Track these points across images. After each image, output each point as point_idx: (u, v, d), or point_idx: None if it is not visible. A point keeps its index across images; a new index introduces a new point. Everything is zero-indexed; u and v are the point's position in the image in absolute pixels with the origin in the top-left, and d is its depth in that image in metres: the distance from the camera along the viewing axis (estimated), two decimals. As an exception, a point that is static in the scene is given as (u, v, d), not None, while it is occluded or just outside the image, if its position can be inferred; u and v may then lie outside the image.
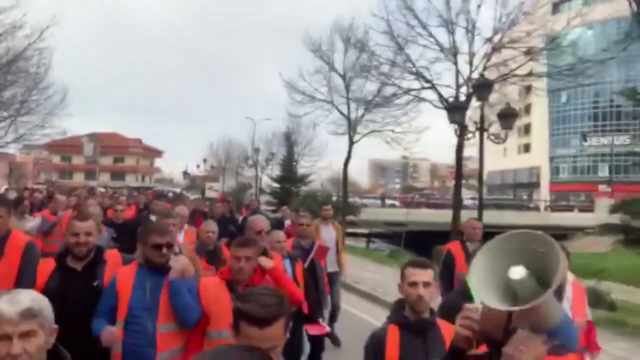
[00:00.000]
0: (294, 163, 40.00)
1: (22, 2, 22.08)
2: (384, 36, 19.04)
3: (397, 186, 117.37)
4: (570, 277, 4.04)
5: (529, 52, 17.63)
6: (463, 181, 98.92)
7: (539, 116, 67.50)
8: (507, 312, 1.71)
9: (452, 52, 17.58)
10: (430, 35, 17.86)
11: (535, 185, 68.92)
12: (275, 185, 40.93)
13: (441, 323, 3.05)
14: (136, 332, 3.44)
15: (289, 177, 39.04)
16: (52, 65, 29.08)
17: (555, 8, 40.72)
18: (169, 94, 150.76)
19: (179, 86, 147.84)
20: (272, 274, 3.93)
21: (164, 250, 3.57)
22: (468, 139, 13.26)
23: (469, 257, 5.94)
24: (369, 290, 11.72)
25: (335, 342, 7.54)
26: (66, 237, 3.77)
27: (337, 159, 25.60)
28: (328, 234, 7.75)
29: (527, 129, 72.03)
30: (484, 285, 1.74)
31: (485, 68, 16.88)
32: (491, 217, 30.42)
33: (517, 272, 1.68)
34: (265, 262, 3.92)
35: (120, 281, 3.56)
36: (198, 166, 57.25)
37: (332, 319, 7.37)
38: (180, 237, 6.11)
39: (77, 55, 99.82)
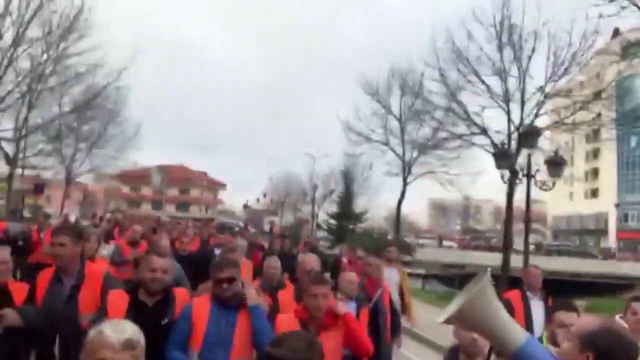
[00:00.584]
0: (351, 200, 40.46)
1: (103, 43, 23.95)
2: (437, 83, 19.51)
3: (458, 227, 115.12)
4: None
5: (598, 96, 17.43)
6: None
7: (607, 160, 65.12)
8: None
9: (505, 100, 17.77)
10: (483, 82, 18.16)
11: (603, 232, 66.04)
12: (332, 221, 41.43)
13: None
14: None
15: (346, 214, 39.44)
16: (127, 101, 31.26)
17: (625, 52, 39.30)
18: (232, 128, 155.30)
19: (242, 119, 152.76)
20: (346, 318, 3.79)
21: (225, 285, 3.58)
22: (516, 184, 13.35)
23: (528, 312, 5.75)
24: (425, 335, 10.98)
25: None
26: (142, 272, 3.71)
27: (392, 198, 25.97)
28: (391, 277, 7.20)
29: (595, 173, 69.65)
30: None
31: (537, 116, 16.91)
32: (552, 263, 29.74)
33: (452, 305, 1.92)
34: (340, 307, 3.81)
35: (196, 312, 3.57)
36: (258, 200, 58.72)
37: None
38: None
39: (150, 92, 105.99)
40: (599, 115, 19.19)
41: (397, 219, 25.81)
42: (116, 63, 25.09)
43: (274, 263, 5.43)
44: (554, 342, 3.40)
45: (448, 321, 2.00)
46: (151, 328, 3.49)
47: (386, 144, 25.68)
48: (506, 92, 17.80)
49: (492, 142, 17.61)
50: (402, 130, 24.87)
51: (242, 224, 43.78)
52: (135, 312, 3.48)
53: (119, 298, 3.62)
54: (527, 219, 13.07)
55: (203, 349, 3.46)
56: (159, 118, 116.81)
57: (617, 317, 4.02)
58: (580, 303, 13.99)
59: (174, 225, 15.84)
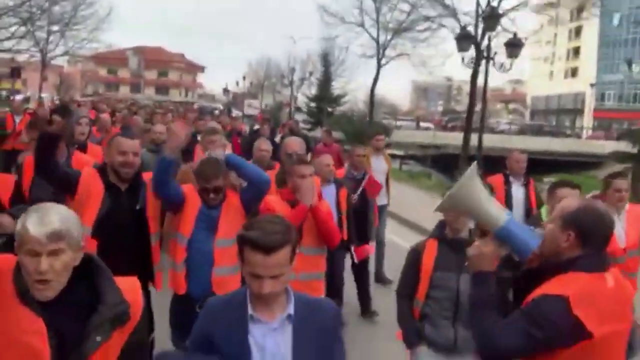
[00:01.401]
0: (329, 83, 40.70)
1: None
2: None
3: (440, 109, 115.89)
4: (627, 204, 4.33)
5: None
6: (504, 104, 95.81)
7: (590, 39, 64.40)
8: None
9: None
10: None
11: (580, 112, 67.07)
12: (312, 104, 41.91)
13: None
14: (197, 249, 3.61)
15: (325, 97, 39.86)
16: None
17: None
18: (209, 11, 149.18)
19: (218, 3, 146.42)
20: (313, 212, 3.89)
21: (212, 195, 3.59)
22: (479, 65, 13.79)
23: (509, 196, 5.84)
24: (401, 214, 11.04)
25: (384, 281, 7.01)
26: (111, 155, 3.52)
27: (370, 81, 26.25)
28: (379, 165, 7.26)
29: (576, 51, 69.30)
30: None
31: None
32: (528, 143, 30.90)
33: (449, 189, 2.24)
34: (306, 198, 3.86)
35: (187, 201, 3.64)
36: (238, 83, 58.36)
37: (380, 259, 7.13)
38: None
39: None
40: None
41: (370, 101, 26.40)
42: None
43: (265, 146, 5.37)
44: None
45: (441, 209, 2.32)
46: (128, 215, 3.52)
47: (361, 25, 25.65)
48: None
49: (460, 25, 17.83)
50: (377, 11, 24.79)
51: (222, 107, 44.07)
52: (113, 199, 3.49)
53: (94, 179, 3.54)
54: (484, 99, 13.76)
55: (193, 234, 3.60)
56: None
57: (591, 195, 4.19)
58: (548, 180, 14.85)
59: (153, 110, 16.02)
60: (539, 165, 21.95)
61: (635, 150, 16.99)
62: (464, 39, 13.08)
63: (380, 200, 7.05)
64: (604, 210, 2.21)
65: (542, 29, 31.79)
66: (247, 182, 3.78)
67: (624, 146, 18.99)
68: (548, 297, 2.03)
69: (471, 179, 2.15)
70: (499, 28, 13.46)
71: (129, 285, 1.87)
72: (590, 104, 65.21)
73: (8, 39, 27.36)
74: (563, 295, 2.00)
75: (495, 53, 12.72)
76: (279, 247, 1.83)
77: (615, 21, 60.46)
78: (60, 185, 3.60)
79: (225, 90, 56.27)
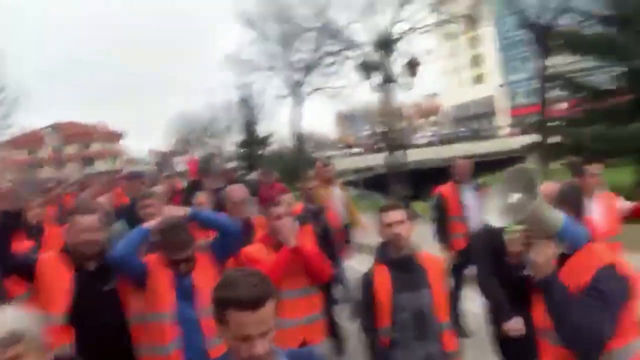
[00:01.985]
0: (254, 126, 41.19)
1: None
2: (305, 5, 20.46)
3: (368, 132, 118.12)
4: (599, 192, 4.42)
5: None
6: (424, 119, 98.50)
7: (489, 45, 68.71)
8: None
9: (369, 11, 18.70)
10: None
11: (493, 114, 70.76)
12: (241, 150, 42.16)
13: (426, 257, 3.29)
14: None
15: (253, 140, 40.30)
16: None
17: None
18: (119, 72, 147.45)
19: (128, 64, 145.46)
20: (297, 251, 3.70)
21: (181, 265, 3.32)
22: (380, 91, 14.75)
23: (462, 203, 5.90)
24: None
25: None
26: (72, 237, 3.32)
27: (292, 119, 27.11)
28: (335, 196, 7.02)
29: (478, 59, 73.50)
30: (497, 213, 2.21)
31: (395, 24, 18.13)
32: (452, 151, 32.30)
33: (514, 197, 2.18)
34: (290, 240, 3.70)
35: (153, 276, 3.34)
36: (162, 143, 58.02)
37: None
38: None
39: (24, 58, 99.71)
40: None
41: (297, 138, 27.32)
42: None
43: (200, 198, 5.29)
44: None
45: (520, 222, 2.22)
46: (99, 295, 3.26)
47: (272, 69, 26.72)
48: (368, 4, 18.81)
49: (363, 54, 18.89)
50: (284, 55, 25.94)
51: (151, 169, 43.51)
52: (81, 281, 3.24)
53: (57, 263, 3.28)
54: (392, 121, 14.64)
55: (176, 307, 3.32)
56: (44, 77, 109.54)
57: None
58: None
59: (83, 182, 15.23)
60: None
61: (539, 139, 18.32)
62: (365, 68, 13.97)
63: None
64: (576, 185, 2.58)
65: (440, 45, 33.98)
66: (218, 232, 3.60)
67: (535, 138, 20.42)
68: (599, 270, 2.18)
69: (538, 191, 2.14)
70: (397, 53, 14.55)
71: None
72: (504, 104, 68.92)
73: None
74: (607, 263, 2.19)
75: (398, 75, 13.63)
76: (266, 300, 1.68)
77: (509, 24, 64.55)
78: (19, 275, 3.31)
79: (151, 151, 55.70)
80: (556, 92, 18.13)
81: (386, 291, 3.11)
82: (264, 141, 41.42)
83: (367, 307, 3.19)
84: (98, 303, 3.25)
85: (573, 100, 16.56)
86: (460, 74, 77.61)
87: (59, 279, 3.21)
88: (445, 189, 6.15)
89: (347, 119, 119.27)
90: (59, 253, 3.36)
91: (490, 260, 3.43)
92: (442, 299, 3.22)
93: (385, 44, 13.16)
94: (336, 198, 6.96)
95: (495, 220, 2.17)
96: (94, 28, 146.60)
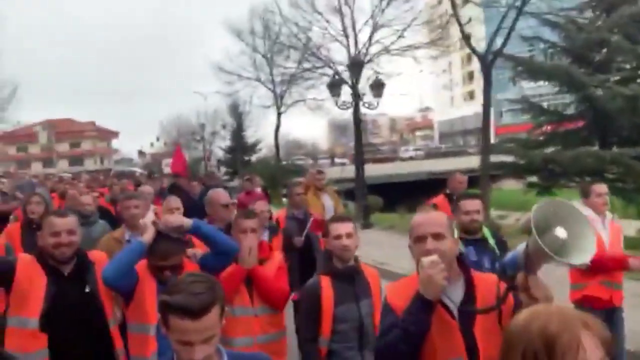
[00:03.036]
0: (242, 133, 42.08)
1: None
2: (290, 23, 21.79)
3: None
4: (609, 216, 4.39)
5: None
6: (418, 133, 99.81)
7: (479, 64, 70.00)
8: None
9: (344, 35, 20.37)
10: (326, 20, 20.95)
11: (479, 131, 71.96)
12: (228, 155, 42.98)
13: (364, 268, 3.32)
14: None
15: (240, 147, 41.16)
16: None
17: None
18: (115, 74, 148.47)
19: (123, 65, 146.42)
20: (252, 273, 3.50)
21: (167, 272, 3.12)
22: (346, 108, 15.75)
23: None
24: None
25: None
26: (44, 238, 3.16)
27: (283, 126, 28.34)
28: (326, 203, 7.00)
29: (470, 76, 74.97)
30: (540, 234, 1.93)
31: (369, 46, 19.51)
32: (437, 165, 33.20)
33: (562, 232, 1.96)
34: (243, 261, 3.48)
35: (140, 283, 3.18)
36: (152, 144, 58.60)
37: None
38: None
39: (24, 51, 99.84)
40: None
41: (276, 146, 28.34)
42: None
43: (172, 204, 5.09)
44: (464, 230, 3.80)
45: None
46: (75, 299, 3.11)
47: (257, 79, 27.96)
48: (344, 27, 20.34)
49: (334, 73, 20.03)
50: (270, 66, 27.16)
51: (140, 171, 44.05)
52: (56, 284, 3.10)
53: (32, 266, 3.14)
54: (358, 135, 15.51)
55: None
56: (38, 73, 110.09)
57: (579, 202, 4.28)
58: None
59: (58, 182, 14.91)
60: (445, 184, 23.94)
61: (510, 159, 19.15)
62: (334, 86, 14.93)
63: None
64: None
65: (435, 62, 35.19)
66: (214, 251, 3.33)
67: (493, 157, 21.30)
68: None
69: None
70: (370, 72, 15.65)
71: None
72: (491, 122, 70.00)
73: None
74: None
75: (364, 94, 14.60)
76: (208, 309, 1.68)
77: (498, 43, 65.81)
78: None
79: (141, 153, 56.23)
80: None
81: (330, 303, 3.13)
82: (251, 148, 42.25)
83: (310, 318, 3.19)
84: (76, 307, 3.13)
85: (530, 124, 17.48)
86: (452, 90, 79.29)
87: (33, 282, 3.09)
88: (439, 200, 6.24)
89: (337, 129, 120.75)
90: (34, 256, 3.23)
91: None
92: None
93: (354, 64, 14.09)
94: (326, 205, 7.00)
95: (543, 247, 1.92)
96: (90, 28, 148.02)
